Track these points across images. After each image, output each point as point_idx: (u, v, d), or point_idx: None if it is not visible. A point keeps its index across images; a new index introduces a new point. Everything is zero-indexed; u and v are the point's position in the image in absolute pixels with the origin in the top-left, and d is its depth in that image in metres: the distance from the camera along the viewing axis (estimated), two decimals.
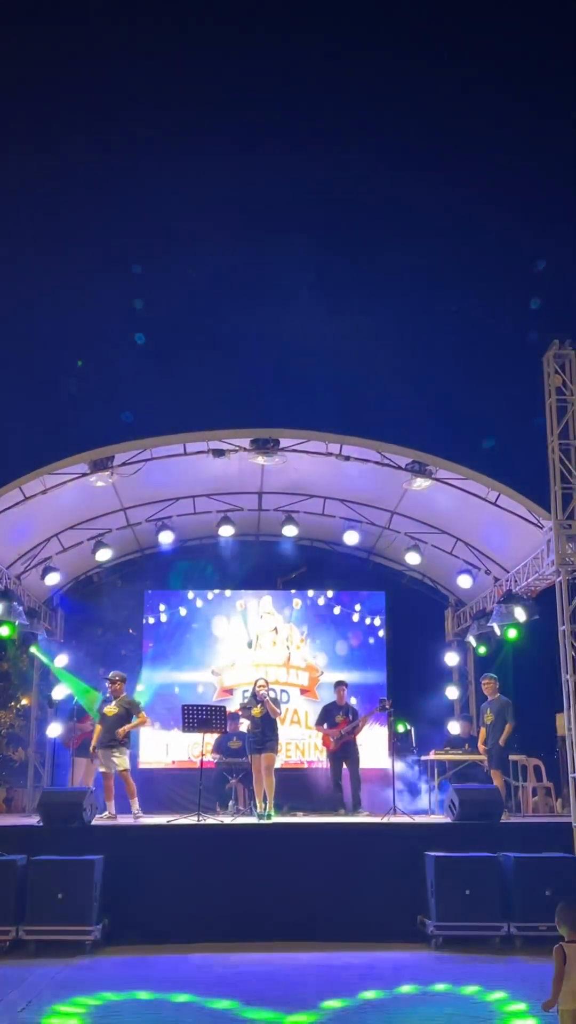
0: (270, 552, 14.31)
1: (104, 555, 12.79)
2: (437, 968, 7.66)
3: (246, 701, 11.29)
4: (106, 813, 10.25)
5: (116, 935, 8.49)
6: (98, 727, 10.72)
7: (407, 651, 14.21)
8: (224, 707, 11.21)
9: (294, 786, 12.73)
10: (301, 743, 13.72)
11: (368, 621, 14.31)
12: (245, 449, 10.87)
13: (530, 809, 12.18)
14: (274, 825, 9.83)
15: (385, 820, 10.09)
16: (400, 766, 12.30)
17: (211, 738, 11.72)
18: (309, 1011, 6.29)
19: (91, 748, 11.07)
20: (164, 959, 7.97)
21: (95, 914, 8.21)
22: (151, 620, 14.20)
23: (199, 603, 14.27)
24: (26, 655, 14.36)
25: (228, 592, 14.31)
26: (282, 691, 13.75)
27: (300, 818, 11.22)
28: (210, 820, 9.77)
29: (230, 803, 11.80)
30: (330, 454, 11.05)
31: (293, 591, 14.39)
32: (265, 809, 10.18)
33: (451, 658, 14.27)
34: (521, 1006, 6.37)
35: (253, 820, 10.11)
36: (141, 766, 13.54)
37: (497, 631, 12.32)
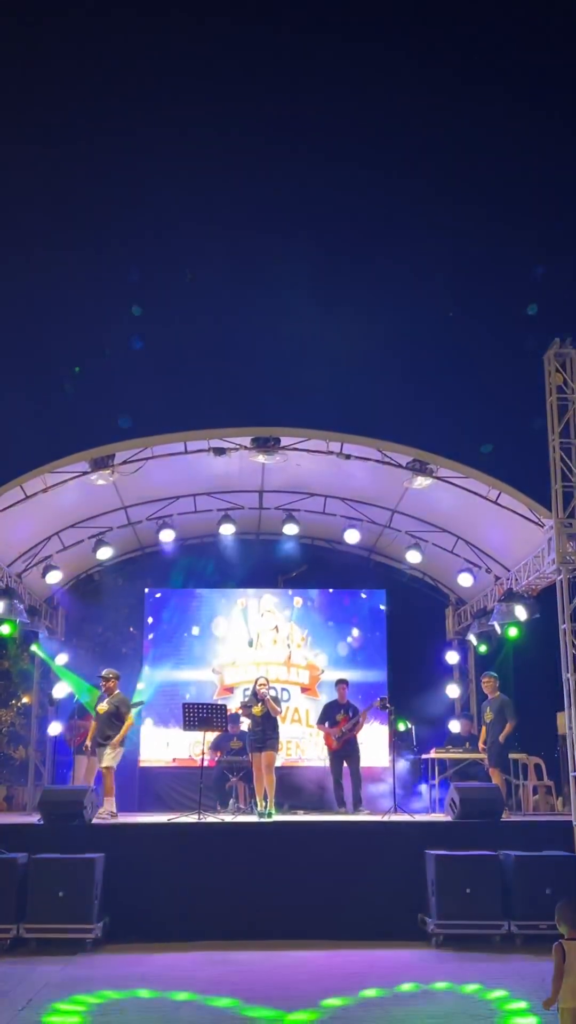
0: (271, 550, 14.31)
1: (105, 553, 12.79)
2: (437, 966, 7.66)
3: (247, 699, 11.29)
4: (107, 811, 10.25)
5: (117, 933, 8.49)
6: (92, 724, 10.76)
7: (408, 650, 14.23)
8: (224, 705, 11.22)
9: (295, 784, 12.74)
10: (302, 741, 13.74)
11: (369, 620, 14.31)
12: (246, 448, 10.87)
13: (531, 807, 12.18)
14: (275, 823, 9.84)
15: (385, 818, 10.09)
16: (401, 764, 12.30)
17: (211, 736, 11.72)
18: (309, 1009, 6.29)
19: (86, 745, 11.09)
20: (165, 957, 7.98)
21: (96, 912, 8.21)
22: (152, 619, 14.21)
23: (200, 601, 14.28)
24: (27, 653, 14.36)
25: (229, 590, 14.32)
26: (283, 689, 13.76)
27: (301, 816, 11.23)
28: (211, 818, 9.78)
29: (231, 801, 11.81)
30: (331, 452, 11.05)
31: (293, 590, 14.40)
32: (266, 807, 10.18)
33: (452, 656, 14.27)
34: (521, 1004, 6.37)
35: (254, 818, 10.12)
36: (142, 764, 13.57)
37: (498, 630, 12.32)
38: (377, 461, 11.06)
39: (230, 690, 13.86)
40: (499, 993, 6.67)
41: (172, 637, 14.16)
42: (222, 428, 10.72)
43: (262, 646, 14.16)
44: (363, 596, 14.42)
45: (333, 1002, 6.48)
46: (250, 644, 14.17)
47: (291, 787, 12.49)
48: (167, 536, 12.72)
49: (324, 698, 13.23)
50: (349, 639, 14.23)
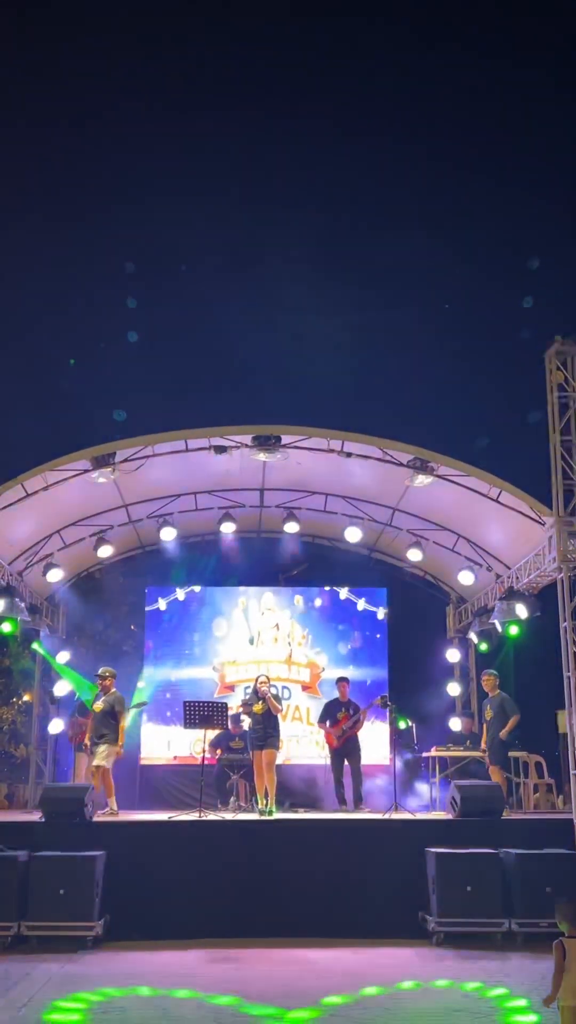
0: (272, 549, 14.31)
1: (106, 551, 12.80)
2: (438, 964, 7.66)
3: (248, 697, 11.30)
4: (108, 809, 10.27)
5: (117, 931, 8.50)
6: (89, 722, 10.79)
7: (409, 648, 14.24)
8: (225, 703, 11.22)
9: (295, 782, 12.74)
10: (302, 739, 13.74)
11: (370, 618, 14.32)
12: (247, 446, 10.87)
13: (531, 806, 12.18)
14: (275, 821, 9.84)
15: (386, 816, 10.10)
16: (401, 763, 12.31)
17: (211, 734, 11.72)
18: (310, 1007, 6.30)
19: (85, 743, 11.10)
20: (165, 955, 7.98)
21: (97, 910, 8.22)
22: (152, 617, 14.21)
23: (201, 600, 14.29)
24: (28, 651, 14.38)
25: (230, 589, 14.32)
26: (283, 688, 13.77)
27: (301, 814, 11.23)
28: (211, 816, 9.78)
29: (231, 799, 11.82)
30: (332, 451, 11.05)
31: (294, 588, 14.40)
32: (266, 805, 10.19)
33: (452, 655, 14.27)
34: (522, 1002, 6.38)
35: (254, 816, 10.12)
36: (143, 762, 13.59)
37: (499, 628, 12.32)
38: (378, 459, 11.06)
39: (231, 688, 13.87)
40: (500, 991, 6.68)
41: (173, 635, 14.17)
42: (223, 426, 10.72)
43: (263, 644, 14.17)
44: (364, 594, 14.42)
45: (334, 1000, 6.49)
46: (251, 642, 14.18)
47: (292, 785, 12.49)
48: (168, 534, 12.72)
49: (325, 696, 13.24)
50: (350, 637, 14.23)
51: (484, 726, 11.59)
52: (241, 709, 11.81)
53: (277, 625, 14.23)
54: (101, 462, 10.60)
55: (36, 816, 9.67)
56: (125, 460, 10.85)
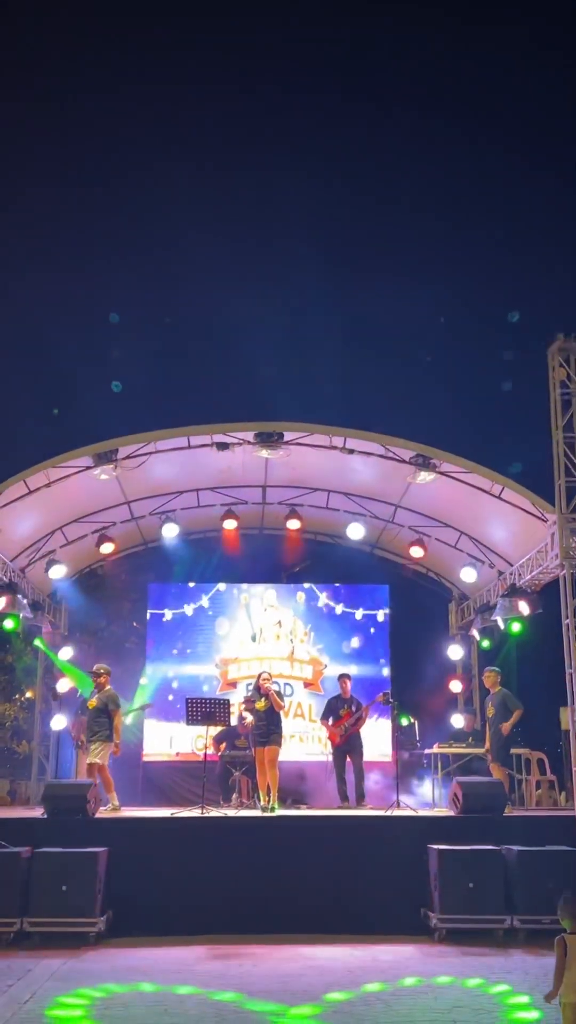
0: (274, 545, 14.31)
1: (108, 548, 12.81)
2: (440, 961, 7.66)
3: (250, 694, 11.30)
4: (110, 805, 10.28)
5: (120, 927, 8.50)
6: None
7: (411, 644, 14.24)
8: (228, 700, 11.23)
9: (297, 779, 12.75)
10: (305, 736, 13.74)
11: (372, 615, 14.31)
12: (249, 443, 10.87)
13: (534, 802, 12.18)
14: (278, 818, 9.84)
15: (388, 813, 10.10)
16: (403, 759, 12.31)
17: (214, 731, 11.74)
18: (312, 1003, 6.30)
19: (81, 740, 11.11)
20: (167, 951, 7.99)
21: (99, 906, 8.23)
22: (155, 613, 14.22)
23: (203, 596, 14.29)
24: (30, 648, 14.39)
25: (232, 585, 14.32)
26: (286, 684, 13.77)
27: (303, 811, 11.24)
28: (214, 813, 9.78)
29: (234, 796, 11.82)
30: (334, 447, 11.04)
31: (296, 585, 14.40)
32: (269, 802, 10.19)
33: (455, 652, 14.26)
34: (524, 999, 6.38)
35: (257, 813, 10.13)
36: (145, 758, 13.59)
37: (501, 625, 12.30)
38: (380, 456, 11.06)
39: (233, 685, 13.87)
40: (501, 987, 6.68)
41: (175, 632, 14.17)
42: (225, 423, 10.73)
43: (265, 641, 14.17)
44: (366, 591, 14.41)
45: (336, 996, 6.49)
46: (253, 639, 14.18)
47: (294, 782, 12.49)
48: (170, 531, 12.72)
49: (327, 693, 13.23)
50: (352, 634, 14.23)
51: (486, 723, 11.58)
52: (244, 706, 11.81)
53: (279, 622, 14.23)
54: (103, 459, 10.61)
55: (38, 812, 9.68)
56: (127, 457, 10.85)
